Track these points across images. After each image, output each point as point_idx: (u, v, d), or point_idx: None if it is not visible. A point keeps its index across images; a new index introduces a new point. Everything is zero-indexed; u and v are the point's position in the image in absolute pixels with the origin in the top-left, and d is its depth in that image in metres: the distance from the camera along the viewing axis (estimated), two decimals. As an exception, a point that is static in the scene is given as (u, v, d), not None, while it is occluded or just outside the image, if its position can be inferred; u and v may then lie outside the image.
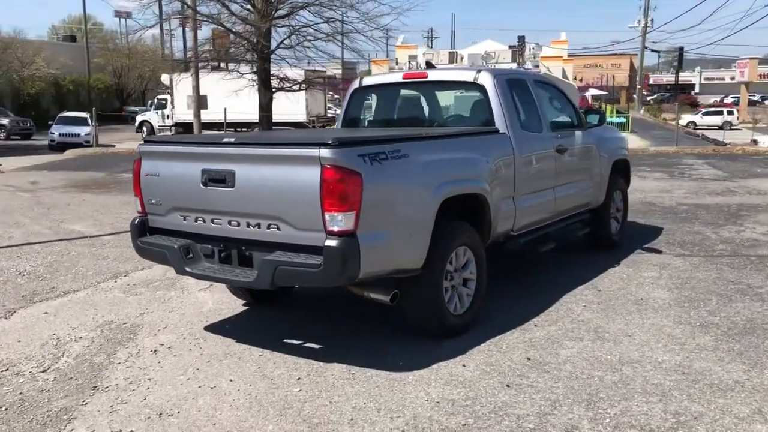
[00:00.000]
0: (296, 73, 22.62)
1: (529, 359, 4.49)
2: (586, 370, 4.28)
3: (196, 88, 22.22)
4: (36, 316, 5.66)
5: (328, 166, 3.94)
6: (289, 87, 21.55)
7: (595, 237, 7.50)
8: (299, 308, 5.87)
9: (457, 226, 4.94)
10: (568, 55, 43.76)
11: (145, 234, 4.90)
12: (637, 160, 18.14)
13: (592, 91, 51.60)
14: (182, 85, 24.68)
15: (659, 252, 7.45)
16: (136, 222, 4.93)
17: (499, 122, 5.62)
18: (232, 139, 4.51)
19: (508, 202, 5.55)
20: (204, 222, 4.55)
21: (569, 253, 7.42)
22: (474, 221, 5.19)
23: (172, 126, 31.13)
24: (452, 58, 38.59)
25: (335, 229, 3.99)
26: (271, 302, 5.84)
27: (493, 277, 6.35)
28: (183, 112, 27.64)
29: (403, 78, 6.26)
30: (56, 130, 26.81)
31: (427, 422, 3.65)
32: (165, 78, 33.61)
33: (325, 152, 3.95)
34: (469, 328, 5.02)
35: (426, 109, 6.25)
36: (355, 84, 6.53)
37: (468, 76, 5.82)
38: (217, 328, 5.29)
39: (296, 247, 4.15)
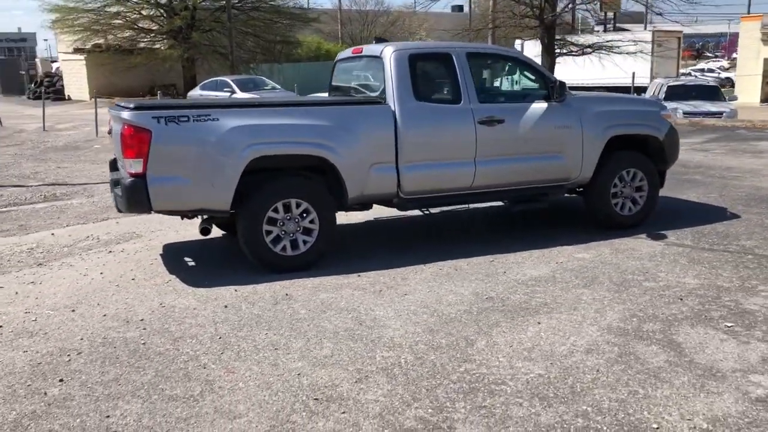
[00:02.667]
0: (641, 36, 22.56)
1: (287, 295, 5.38)
2: (296, 308, 5.03)
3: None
4: (104, 226, 8.14)
5: (126, 125, 5.46)
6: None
7: (593, 215, 7.24)
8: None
9: (286, 180, 5.90)
10: None
11: (114, 170, 6.93)
12: None
13: None
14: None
15: (662, 238, 6.85)
16: (109, 161, 7.00)
17: (389, 94, 6.22)
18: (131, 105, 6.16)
19: (386, 168, 6.16)
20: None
21: (552, 226, 7.36)
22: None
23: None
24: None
25: (130, 171, 5.50)
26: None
27: (416, 236, 7.00)
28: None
29: (352, 53, 7.13)
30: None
31: (130, 314, 5.00)
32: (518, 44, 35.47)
33: (124, 114, 5.48)
34: (307, 267, 5.95)
35: (356, 79, 7.02)
36: (338, 56, 7.58)
37: (376, 51, 6.48)
38: (172, 246, 7.09)
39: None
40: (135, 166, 5.45)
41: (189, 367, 4.08)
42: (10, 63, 42.39)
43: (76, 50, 35.67)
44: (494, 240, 6.88)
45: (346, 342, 4.40)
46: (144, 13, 33.29)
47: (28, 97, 39.18)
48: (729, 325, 4.57)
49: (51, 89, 37.76)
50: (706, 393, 3.64)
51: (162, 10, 33.37)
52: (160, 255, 6.67)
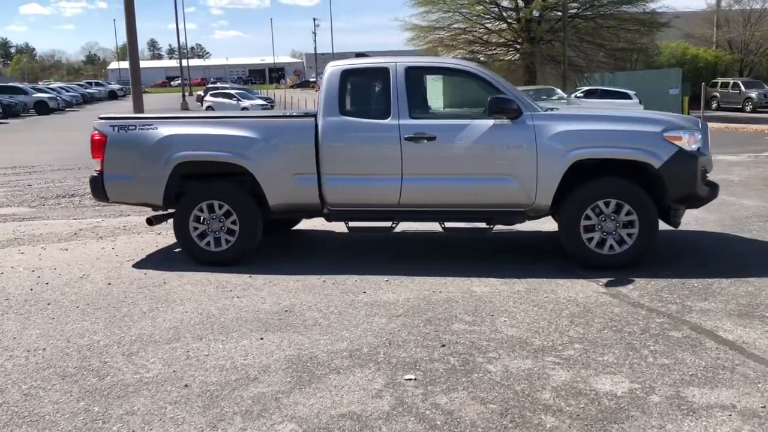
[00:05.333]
0: None
1: (164, 282, 6.23)
2: (140, 292, 5.87)
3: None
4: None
5: (93, 131, 6.92)
6: None
7: (565, 250, 6.43)
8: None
9: (211, 184, 6.70)
10: None
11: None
12: None
13: None
14: None
15: (615, 284, 5.78)
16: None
17: (318, 108, 6.58)
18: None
19: (308, 178, 6.51)
20: None
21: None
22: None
23: None
24: None
25: (95, 168, 6.96)
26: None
27: (393, 250, 7.22)
28: None
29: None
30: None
31: (71, 277, 6.46)
32: None
33: (95, 122, 6.95)
34: (231, 263, 6.63)
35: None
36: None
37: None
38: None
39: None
40: (97, 164, 6.84)
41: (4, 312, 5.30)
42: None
43: (437, 63, 39.34)
44: (454, 264, 6.55)
45: (119, 323, 5.09)
46: (489, 26, 35.13)
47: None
48: (410, 378, 4.03)
49: (416, 98, 42.21)
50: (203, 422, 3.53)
51: (506, 23, 34.82)
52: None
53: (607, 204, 6.10)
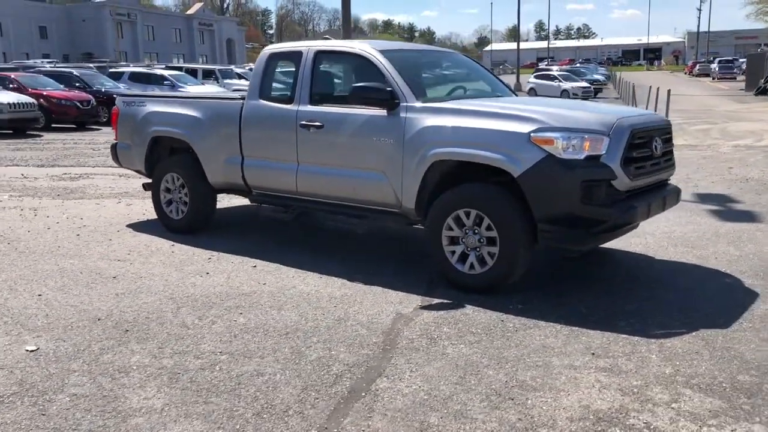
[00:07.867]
0: None
1: (109, 240, 7.20)
2: (72, 245, 6.93)
3: None
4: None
5: (114, 107, 8.13)
6: None
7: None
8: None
9: (169, 158, 7.41)
10: None
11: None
12: None
13: None
14: None
15: (439, 308, 5.04)
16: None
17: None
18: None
19: (235, 159, 6.82)
20: None
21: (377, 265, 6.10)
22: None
23: None
24: None
25: (112, 138, 8.17)
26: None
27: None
28: None
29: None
30: None
31: (46, 227, 7.90)
32: None
33: (116, 100, 8.16)
34: (184, 231, 7.26)
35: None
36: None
37: (267, 52, 6.92)
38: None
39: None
40: (114, 135, 8.03)
41: (-48, 248, 6.82)
42: (758, 57, 42.08)
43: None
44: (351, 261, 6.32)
45: (5, 265, 6.21)
46: None
47: (755, 94, 38.37)
48: (31, 349, 4.25)
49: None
50: None
51: None
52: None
53: (467, 214, 5.18)
